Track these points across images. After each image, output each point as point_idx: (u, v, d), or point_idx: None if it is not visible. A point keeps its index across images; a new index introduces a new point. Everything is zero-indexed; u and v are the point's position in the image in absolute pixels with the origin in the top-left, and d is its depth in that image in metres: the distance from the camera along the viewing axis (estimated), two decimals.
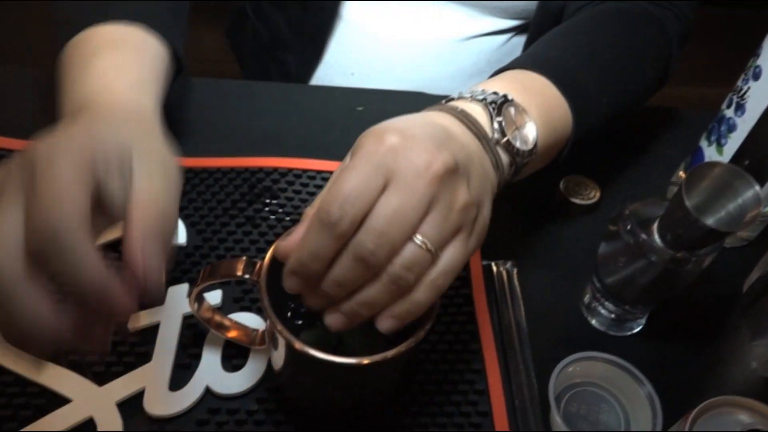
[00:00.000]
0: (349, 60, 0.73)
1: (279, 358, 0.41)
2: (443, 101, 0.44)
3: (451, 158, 0.34)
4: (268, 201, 0.55)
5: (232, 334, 0.45)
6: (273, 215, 0.54)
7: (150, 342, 0.46)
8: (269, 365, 0.45)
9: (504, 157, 0.42)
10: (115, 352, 0.45)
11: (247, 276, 0.39)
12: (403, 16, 0.70)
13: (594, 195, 0.59)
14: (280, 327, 0.37)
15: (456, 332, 0.49)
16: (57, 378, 0.44)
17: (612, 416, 0.46)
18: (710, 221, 0.40)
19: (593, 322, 0.52)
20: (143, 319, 0.47)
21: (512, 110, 0.43)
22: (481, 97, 0.42)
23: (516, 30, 0.73)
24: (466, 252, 0.36)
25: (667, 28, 0.58)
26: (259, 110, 0.63)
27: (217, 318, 0.45)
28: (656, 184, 0.62)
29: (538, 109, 0.45)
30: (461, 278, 0.52)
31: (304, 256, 0.34)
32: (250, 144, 0.60)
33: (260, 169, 0.57)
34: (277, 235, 0.53)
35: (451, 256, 0.35)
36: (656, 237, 0.44)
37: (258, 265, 0.40)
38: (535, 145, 0.43)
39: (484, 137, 0.40)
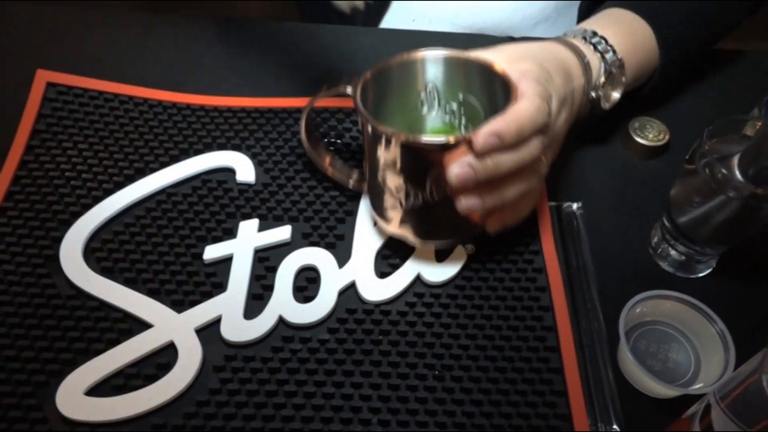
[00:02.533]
0: (410, 8, 0.72)
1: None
2: (574, 37, 0.52)
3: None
4: (333, 140, 0.56)
5: (331, 171, 0.50)
6: (339, 154, 0.55)
7: (224, 273, 0.47)
8: (338, 300, 0.46)
9: (586, 106, 0.52)
10: (191, 281, 0.47)
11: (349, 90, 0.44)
12: None
13: (663, 137, 0.58)
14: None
15: (524, 270, 0.49)
16: (139, 304, 0.45)
17: (682, 354, 0.45)
18: None
19: (662, 264, 0.51)
20: (217, 251, 0.48)
21: (619, 77, 0.53)
22: (602, 52, 0.52)
23: None
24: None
25: None
26: (322, 52, 0.63)
27: (322, 150, 0.50)
28: None
29: (629, 49, 0.53)
30: (529, 218, 0.52)
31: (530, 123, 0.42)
32: (314, 85, 0.60)
33: (325, 109, 0.58)
34: None
35: None
36: (737, 172, 0.43)
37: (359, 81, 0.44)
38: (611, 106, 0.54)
39: (587, 84, 0.51)
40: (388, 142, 0.41)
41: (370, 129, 0.42)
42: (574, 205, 0.53)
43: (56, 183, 0.51)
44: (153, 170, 0.53)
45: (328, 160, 0.51)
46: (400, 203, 0.45)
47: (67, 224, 0.49)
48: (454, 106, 0.48)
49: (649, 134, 0.58)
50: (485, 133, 0.40)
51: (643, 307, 0.46)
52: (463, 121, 0.49)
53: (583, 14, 0.68)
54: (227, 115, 0.57)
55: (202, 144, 0.55)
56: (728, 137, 0.45)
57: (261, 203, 0.52)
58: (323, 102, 0.58)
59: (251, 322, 0.45)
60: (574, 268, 0.50)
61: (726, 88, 0.65)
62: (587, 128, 0.57)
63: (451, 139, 0.40)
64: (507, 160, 0.41)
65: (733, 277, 0.51)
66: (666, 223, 0.50)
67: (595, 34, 0.53)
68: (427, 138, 0.40)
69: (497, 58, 0.46)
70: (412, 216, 0.45)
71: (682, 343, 0.46)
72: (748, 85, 0.66)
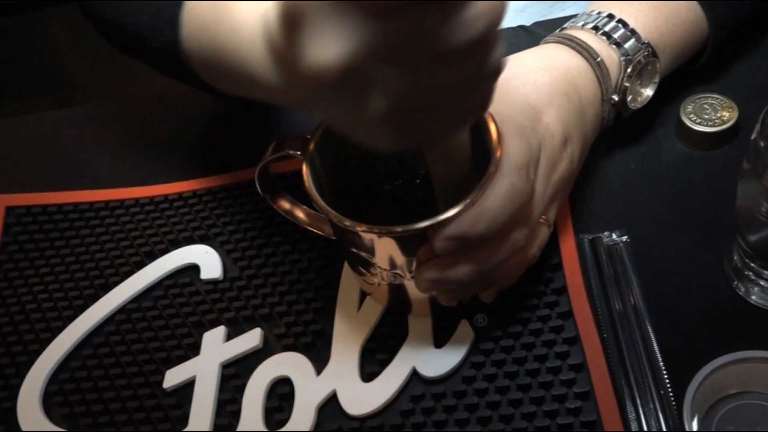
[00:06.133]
0: None
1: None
2: (582, 26, 0.41)
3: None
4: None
5: (304, 219, 0.42)
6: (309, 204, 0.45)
7: (187, 401, 0.40)
8: (316, 418, 0.37)
9: (610, 111, 0.41)
10: (152, 418, 0.40)
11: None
12: None
13: (729, 117, 0.43)
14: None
15: (551, 342, 0.37)
16: None
17: None
18: None
19: (750, 296, 0.37)
20: (178, 375, 0.41)
21: (651, 67, 0.41)
22: (619, 42, 0.40)
23: None
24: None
25: None
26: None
27: (286, 204, 0.42)
28: None
29: (660, 26, 0.42)
30: (550, 266, 0.40)
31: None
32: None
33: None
34: (319, 248, 0.44)
35: None
36: None
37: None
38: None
39: (605, 89, 0.40)
40: (352, 232, 0.35)
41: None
42: (614, 234, 0.41)
43: (17, 319, 0.46)
44: (115, 284, 0.47)
45: (297, 210, 0.43)
46: (373, 280, 0.38)
47: (28, 365, 0.44)
48: None
49: (709, 116, 0.43)
50: (444, 237, 0.32)
51: (728, 372, 0.33)
52: None
53: None
54: (192, 201, 0.50)
55: (166, 242, 0.48)
56: None
57: (229, 303, 0.44)
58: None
59: None
60: (622, 327, 0.37)
61: None
62: (623, 124, 0.44)
63: (414, 228, 0.33)
64: (477, 271, 0.33)
65: None
66: (741, 242, 0.36)
67: (611, 18, 0.41)
68: (386, 229, 0.33)
69: None
70: (389, 290, 0.39)
71: None
72: None
